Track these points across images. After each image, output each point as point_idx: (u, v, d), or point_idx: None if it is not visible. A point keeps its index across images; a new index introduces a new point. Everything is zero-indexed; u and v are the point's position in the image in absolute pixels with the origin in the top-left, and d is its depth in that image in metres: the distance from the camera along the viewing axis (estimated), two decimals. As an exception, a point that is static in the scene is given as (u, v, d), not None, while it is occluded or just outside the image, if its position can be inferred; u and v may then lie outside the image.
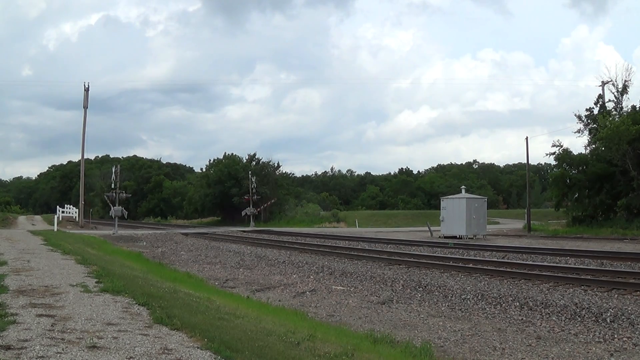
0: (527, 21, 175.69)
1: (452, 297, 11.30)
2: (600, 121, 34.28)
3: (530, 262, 16.54)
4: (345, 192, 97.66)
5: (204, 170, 70.08)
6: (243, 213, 48.83)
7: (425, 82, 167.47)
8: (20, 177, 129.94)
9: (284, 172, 66.20)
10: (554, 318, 9.16)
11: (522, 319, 9.27)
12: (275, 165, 63.11)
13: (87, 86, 42.70)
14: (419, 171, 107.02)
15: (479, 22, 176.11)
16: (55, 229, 30.90)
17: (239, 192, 54.94)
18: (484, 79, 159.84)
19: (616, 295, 10.60)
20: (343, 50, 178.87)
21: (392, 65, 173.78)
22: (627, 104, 36.48)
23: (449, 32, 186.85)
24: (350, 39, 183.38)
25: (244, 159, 64.52)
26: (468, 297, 11.10)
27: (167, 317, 5.58)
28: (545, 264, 16.01)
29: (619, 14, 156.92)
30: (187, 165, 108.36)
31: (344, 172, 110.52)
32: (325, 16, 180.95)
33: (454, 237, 29.15)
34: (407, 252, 21.08)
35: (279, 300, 11.32)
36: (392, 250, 21.95)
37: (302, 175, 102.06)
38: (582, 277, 12.88)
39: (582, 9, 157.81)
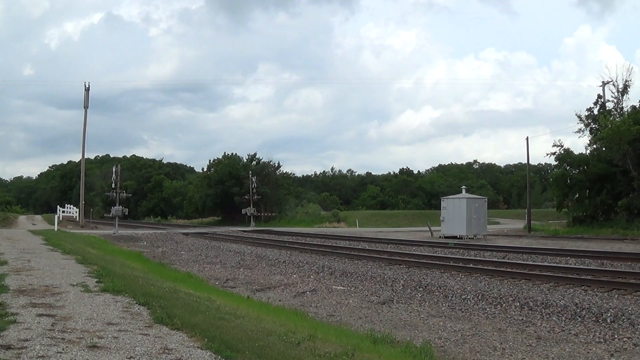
0: (530, 21, 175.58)
1: (452, 297, 11.30)
2: (601, 121, 34.29)
3: (531, 262, 16.54)
4: (345, 192, 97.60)
5: (204, 170, 70.13)
6: (243, 212, 48.85)
7: (428, 82, 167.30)
8: (21, 177, 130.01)
9: (284, 171, 66.29)
10: (554, 318, 9.15)
11: (522, 319, 9.27)
12: (276, 165, 63.23)
13: (87, 86, 42.73)
14: (419, 171, 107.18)
15: (483, 22, 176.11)
16: (56, 229, 30.90)
17: (240, 192, 54.96)
18: (487, 79, 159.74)
19: (616, 296, 10.61)
20: (346, 50, 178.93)
21: (395, 65, 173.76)
22: (627, 104, 36.55)
23: (452, 32, 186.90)
24: (353, 39, 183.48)
25: (244, 158, 64.62)
26: (468, 297, 11.10)
27: (167, 317, 5.58)
28: (545, 264, 16.01)
29: (625, 13, 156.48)
30: (188, 165, 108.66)
31: (345, 171, 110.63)
32: (329, 14, 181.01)
33: (455, 237, 29.15)
34: (408, 252, 21.08)
35: (280, 300, 11.32)
36: (392, 250, 21.95)
37: (303, 175, 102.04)
38: (583, 277, 12.88)
39: (589, 7, 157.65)
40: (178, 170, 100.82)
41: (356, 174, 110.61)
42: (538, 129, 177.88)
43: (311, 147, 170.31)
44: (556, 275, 13.25)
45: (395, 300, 11.24)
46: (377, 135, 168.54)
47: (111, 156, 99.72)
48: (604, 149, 34.46)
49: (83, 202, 42.64)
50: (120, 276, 9.17)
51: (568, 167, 37.06)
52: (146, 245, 26.14)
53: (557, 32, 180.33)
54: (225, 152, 67.39)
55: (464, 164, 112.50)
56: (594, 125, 36.62)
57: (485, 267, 15.32)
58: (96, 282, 8.14)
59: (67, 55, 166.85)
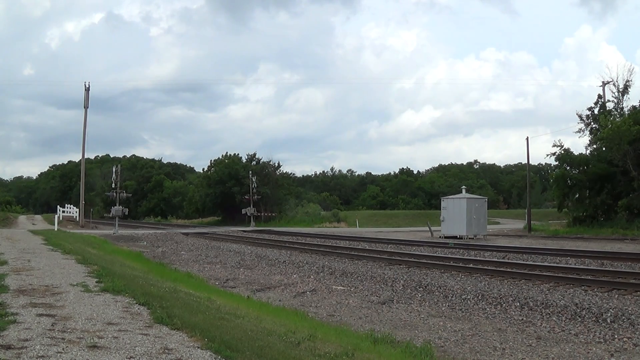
0: (531, 21, 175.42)
1: (452, 297, 11.30)
2: (601, 121, 34.31)
3: (531, 262, 16.54)
4: (345, 192, 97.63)
5: (205, 170, 70.23)
6: (243, 212, 48.86)
7: (428, 82, 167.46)
8: (21, 177, 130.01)
9: (284, 171, 66.34)
10: (554, 318, 9.15)
11: (522, 319, 9.27)
12: (276, 165, 63.27)
13: (87, 86, 42.74)
14: (419, 171, 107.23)
15: (484, 22, 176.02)
16: (56, 229, 30.91)
17: (240, 192, 54.99)
18: (488, 79, 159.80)
19: (616, 296, 10.61)
20: (347, 50, 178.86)
21: (395, 65, 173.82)
22: (627, 104, 36.58)
23: (453, 32, 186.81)
24: (354, 39, 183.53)
25: (244, 158, 64.70)
26: (468, 297, 11.10)
27: (167, 317, 5.58)
28: (545, 264, 16.01)
29: (627, 13, 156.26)
30: (188, 165, 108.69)
31: (345, 171, 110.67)
32: (330, 14, 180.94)
33: (455, 237, 29.15)
34: (408, 252, 21.08)
35: (280, 300, 11.32)
36: (392, 250, 21.95)
37: (303, 175, 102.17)
38: (583, 277, 12.88)
39: (591, 7, 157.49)
40: (178, 170, 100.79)
41: (356, 174, 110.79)
42: (538, 129, 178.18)
43: (311, 147, 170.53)
44: (556, 275, 13.25)
45: (395, 300, 11.24)
46: (378, 135, 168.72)
47: (111, 156, 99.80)
48: (604, 149, 34.47)
49: (83, 202, 42.64)
50: (120, 276, 9.16)
51: (568, 167, 37.07)
52: (146, 245, 26.13)
53: (557, 32, 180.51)
54: (226, 152, 67.59)
55: (464, 164, 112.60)
56: (594, 125, 36.65)
57: (485, 267, 15.32)
58: (96, 282, 8.14)
59: (68, 55, 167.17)
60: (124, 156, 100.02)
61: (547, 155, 40.84)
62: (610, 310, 9.15)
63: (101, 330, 4.90)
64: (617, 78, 36.76)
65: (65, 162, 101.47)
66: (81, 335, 4.67)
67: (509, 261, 16.88)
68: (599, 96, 37.87)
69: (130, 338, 4.67)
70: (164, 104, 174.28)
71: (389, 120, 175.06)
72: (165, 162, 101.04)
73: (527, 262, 16.56)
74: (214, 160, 67.10)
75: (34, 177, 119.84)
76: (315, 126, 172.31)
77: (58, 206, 46.57)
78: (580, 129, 37.76)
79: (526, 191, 47.01)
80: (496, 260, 17.32)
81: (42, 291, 7.04)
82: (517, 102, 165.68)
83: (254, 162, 62.83)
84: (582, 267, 15.01)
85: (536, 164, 76.67)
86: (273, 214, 56.85)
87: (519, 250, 20.77)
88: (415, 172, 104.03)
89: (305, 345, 5.53)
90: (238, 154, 66.45)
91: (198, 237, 33.33)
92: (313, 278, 14.71)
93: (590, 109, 37.69)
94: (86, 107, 42.94)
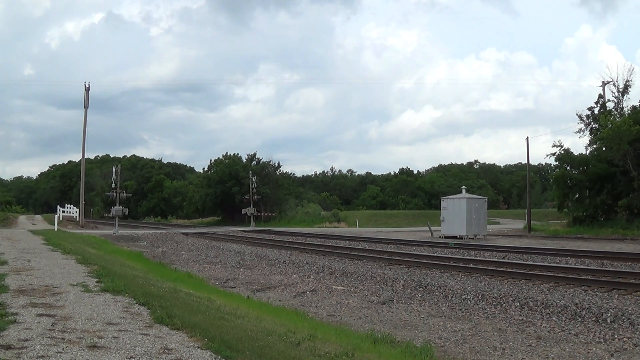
0: (531, 21, 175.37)
1: (452, 297, 11.30)
2: (601, 121, 34.31)
3: (531, 262, 16.54)
4: (345, 192, 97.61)
5: (205, 170, 70.28)
6: (243, 212, 48.88)
7: (428, 82, 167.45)
8: (21, 177, 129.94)
9: (284, 171, 66.39)
10: (554, 318, 9.15)
11: (522, 319, 9.27)
12: (276, 165, 63.31)
13: (87, 86, 42.72)
14: (419, 171, 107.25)
15: (484, 22, 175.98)
16: (56, 229, 30.91)
17: (240, 192, 55.01)
18: (488, 78, 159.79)
19: (616, 296, 10.61)
20: (347, 50, 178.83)
21: (396, 65, 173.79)
22: (627, 104, 36.59)
23: (453, 32, 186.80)
24: (354, 39, 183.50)
25: (244, 158, 64.74)
26: (468, 297, 11.10)
27: (167, 317, 5.58)
28: (545, 264, 16.01)
29: (627, 12, 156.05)
30: (188, 165, 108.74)
31: (345, 171, 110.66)
32: (330, 14, 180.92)
33: (455, 237, 29.15)
34: (408, 252, 21.08)
35: (280, 300, 11.32)
36: (392, 250, 21.95)
37: (303, 175, 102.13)
38: (583, 277, 12.88)
39: (591, 7, 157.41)
40: (178, 170, 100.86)
41: (356, 174, 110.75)
42: (539, 129, 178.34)
43: (311, 147, 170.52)
44: (556, 275, 13.25)
45: (395, 300, 11.24)
46: (378, 135, 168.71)
47: (111, 156, 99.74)
48: (604, 149, 34.47)
49: (83, 202, 42.63)
50: (120, 276, 9.16)
51: (568, 168, 37.08)
52: (146, 245, 26.14)
53: (557, 32, 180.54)
54: (226, 152, 67.62)
55: (465, 164, 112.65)
56: (594, 125, 36.65)
57: (485, 267, 15.32)
58: (96, 282, 8.14)
59: (68, 55, 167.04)
60: (124, 156, 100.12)
61: (547, 155, 40.93)
62: (610, 310, 9.15)
63: (101, 330, 4.90)
64: (617, 78, 36.82)
65: (65, 162, 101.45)
66: (81, 335, 4.67)
67: (509, 261, 16.88)
68: (599, 96, 37.88)
69: (130, 338, 4.67)
70: (164, 104, 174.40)
71: (389, 120, 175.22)
72: (165, 162, 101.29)
73: (527, 262, 16.56)
74: (214, 160, 67.17)
75: (34, 177, 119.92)
76: (315, 126, 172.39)
77: (58, 206, 46.56)
78: (580, 129, 37.81)
79: (526, 191, 47.00)
80: (496, 260, 17.32)
81: (42, 291, 7.04)
82: (517, 102, 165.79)
83: (254, 162, 62.86)
84: (582, 267, 15.01)
85: (536, 164, 77.03)
86: (273, 214, 56.88)
87: (519, 250, 20.78)
88: (415, 172, 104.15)
89: (305, 345, 5.53)
90: (238, 154, 66.61)
91: (198, 237, 33.33)
92: (313, 278, 14.71)
93: (590, 109, 37.72)
94: (86, 107, 42.97)
